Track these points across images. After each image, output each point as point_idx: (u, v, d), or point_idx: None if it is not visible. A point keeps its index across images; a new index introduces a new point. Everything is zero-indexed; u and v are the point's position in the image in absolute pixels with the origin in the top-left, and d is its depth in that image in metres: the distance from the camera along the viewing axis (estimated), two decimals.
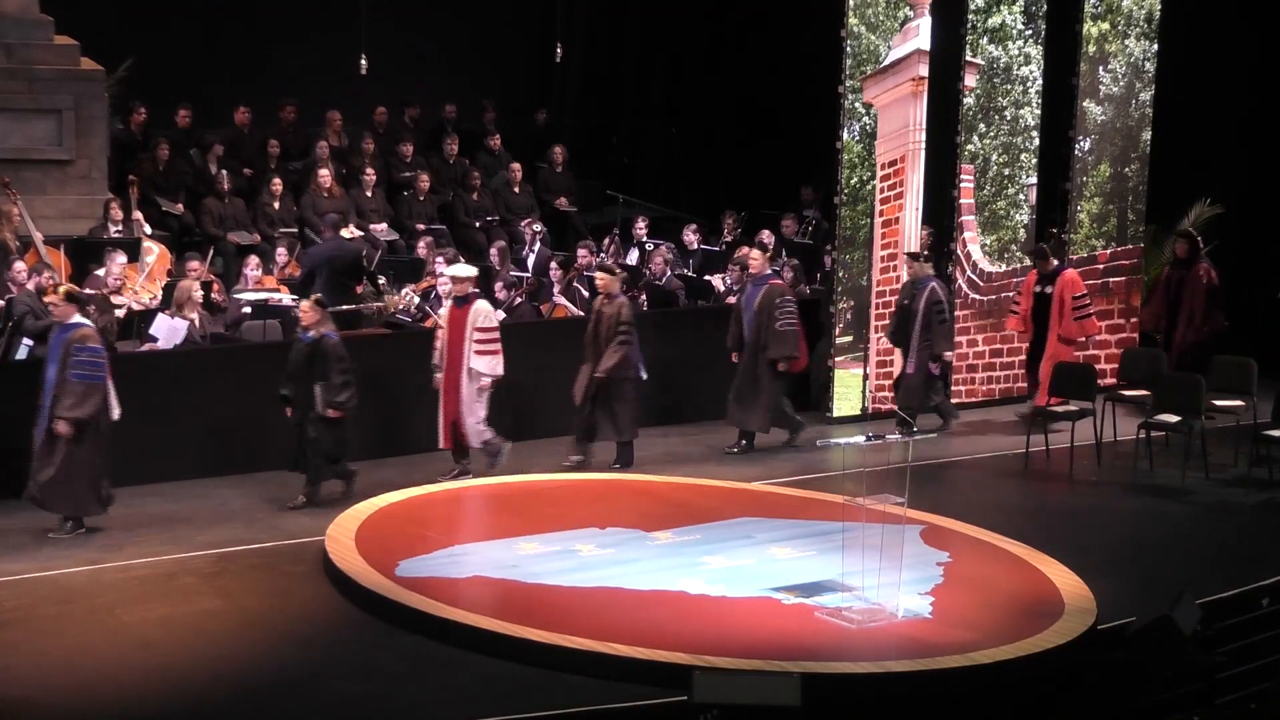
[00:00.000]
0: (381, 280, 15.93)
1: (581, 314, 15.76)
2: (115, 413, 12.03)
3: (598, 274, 14.43)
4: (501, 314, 15.56)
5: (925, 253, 15.69)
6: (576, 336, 14.98)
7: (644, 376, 14.02)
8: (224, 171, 17.53)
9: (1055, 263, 15.71)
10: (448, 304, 13.76)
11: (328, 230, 15.77)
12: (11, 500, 12.56)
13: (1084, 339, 15.88)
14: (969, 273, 16.29)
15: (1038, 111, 16.51)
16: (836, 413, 15.79)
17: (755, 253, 15.00)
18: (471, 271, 13.90)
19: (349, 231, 17.33)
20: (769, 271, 14.83)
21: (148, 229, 16.30)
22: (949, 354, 15.32)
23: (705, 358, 15.27)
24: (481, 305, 13.56)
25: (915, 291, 15.11)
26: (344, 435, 12.95)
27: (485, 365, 13.39)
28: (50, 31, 17.12)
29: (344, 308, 14.84)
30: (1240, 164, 18.04)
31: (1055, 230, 17.04)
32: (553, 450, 14.38)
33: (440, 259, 16.12)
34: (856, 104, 15.69)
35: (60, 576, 11.30)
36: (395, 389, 14.25)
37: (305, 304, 13.01)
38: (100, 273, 14.96)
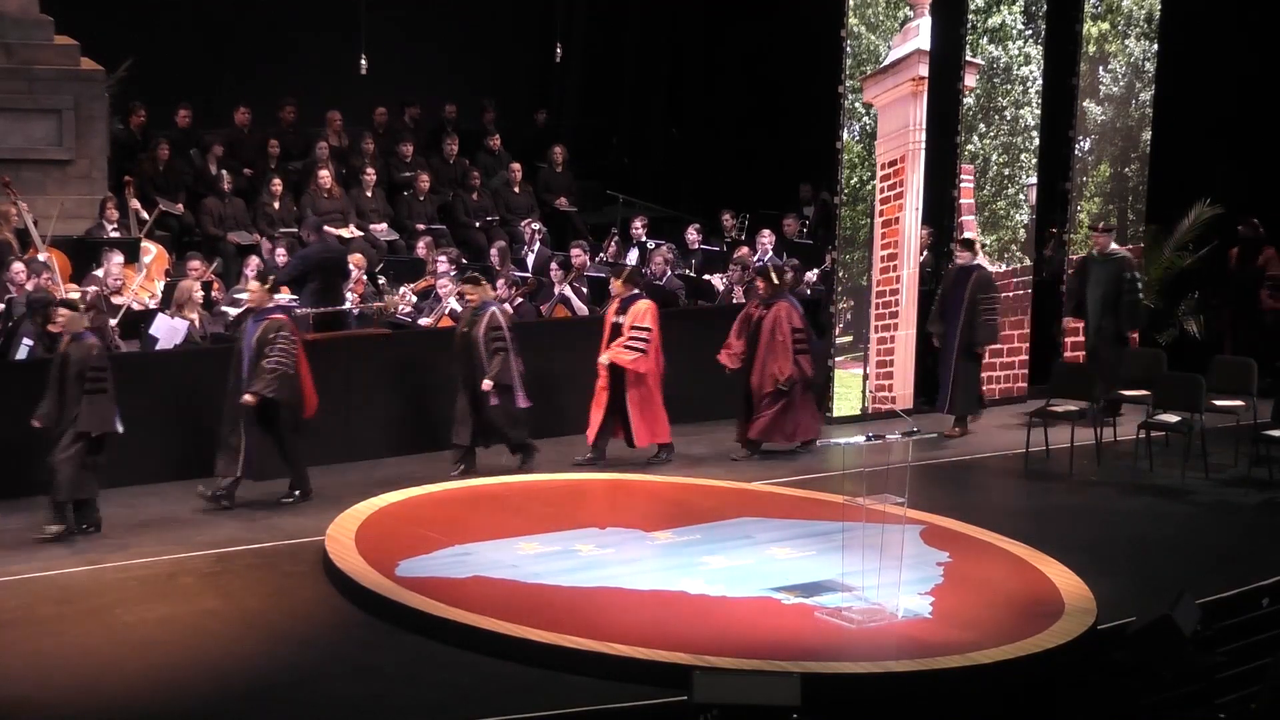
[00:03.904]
0: (381, 280, 15.93)
1: (585, 312, 15.78)
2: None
3: (60, 310, 12.38)
4: (507, 308, 15.57)
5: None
6: (576, 337, 15.00)
7: (119, 429, 12.06)
8: (224, 171, 17.53)
9: (635, 290, 14.17)
10: None
11: (313, 234, 15.67)
12: (11, 500, 12.57)
13: (633, 371, 14.01)
14: None
15: (1038, 111, 16.50)
16: (836, 413, 15.79)
17: (254, 284, 13.25)
18: None
19: (349, 231, 17.36)
20: (270, 305, 13.07)
21: (145, 216, 16.34)
22: (488, 383, 13.45)
23: (706, 358, 15.24)
24: None
25: (475, 318, 13.63)
26: None
27: None
28: (50, 31, 17.13)
29: (334, 309, 14.86)
30: (1240, 164, 18.04)
31: (1055, 230, 17.05)
32: (553, 450, 14.36)
33: (441, 259, 16.13)
34: (856, 104, 15.69)
35: (60, 576, 11.29)
36: (395, 389, 14.26)
37: None
38: (99, 273, 14.96)
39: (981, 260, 15.58)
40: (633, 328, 13.97)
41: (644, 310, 14.05)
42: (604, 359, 13.98)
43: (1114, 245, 16.04)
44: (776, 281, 14.44)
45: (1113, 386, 15.05)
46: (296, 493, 13.00)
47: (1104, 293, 15.81)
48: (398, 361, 14.41)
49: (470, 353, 13.58)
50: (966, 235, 15.74)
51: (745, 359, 14.35)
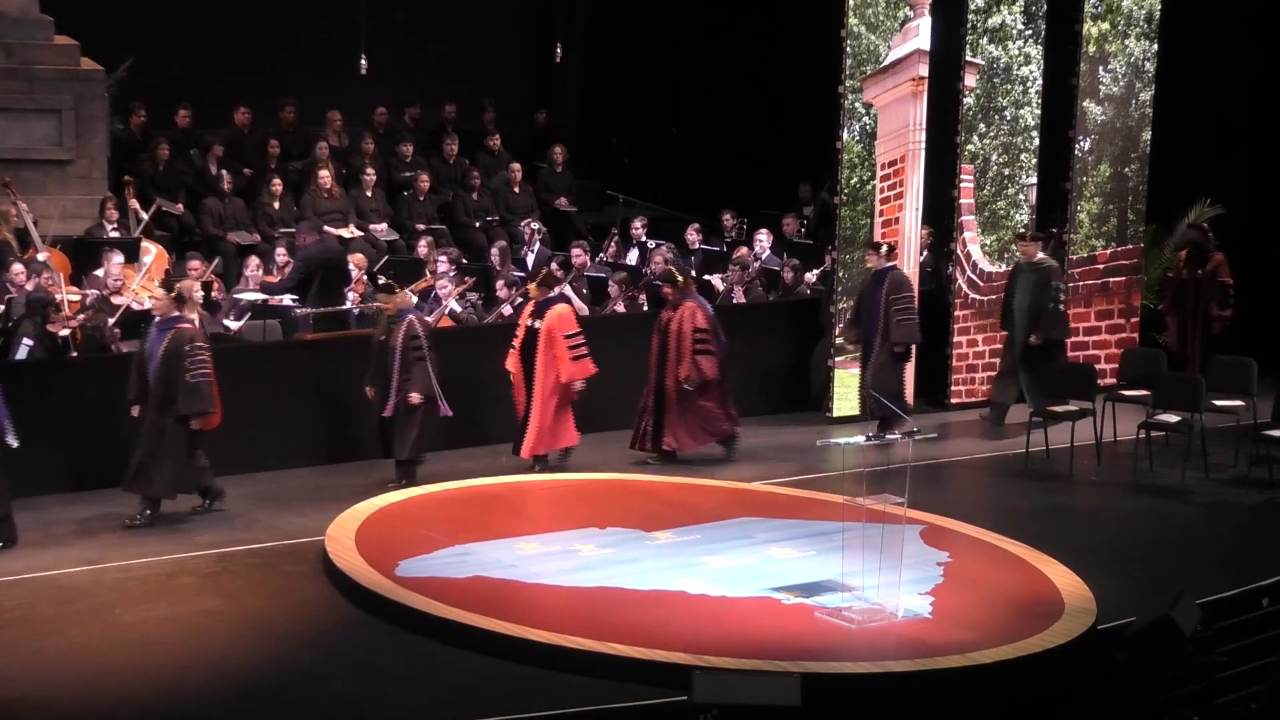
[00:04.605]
0: (381, 280, 15.91)
1: (585, 312, 15.78)
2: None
3: None
4: (508, 308, 15.57)
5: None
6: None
7: (14, 444, 11.79)
8: (224, 171, 17.53)
9: (553, 292, 14.11)
10: None
11: (312, 234, 15.60)
12: (14, 499, 12.55)
13: (582, 382, 13.87)
14: (969, 273, 16.29)
15: (1038, 111, 16.50)
16: (836, 413, 15.79)
17: (159, 291, 12.74)
18: None
19: (349, 231, 17.36)
20: (175, 314, 12.48)
21: (144, 215, 16.34)
22: (416, 396, 13.15)
23: None
24: None
25: (392, 326, 13.34)
26: None
27: None
28: (50, 31, 17.13)
29: (335, 309, 14.85)
30: (1240, 164, 18.04)
31: (1055, 230, 17.05)
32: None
33: (442, 258, 16.12)
34: (856, 104, 15.69)
35: (60, 576, 11.30)
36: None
37: None
38: (99, 273, 14.96)
39: (894, 262, 15.20)
40: (566, 337, 13.79)
41: (566, 315, 13.94)
42: (568, 382, 13.77)
43: (1041, 254, 15.83)
44: (680, 282, 14.36)
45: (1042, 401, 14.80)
46: (147, 511, 12.52)
47: (1030, 302, 15.57)
48: None
49: (385, 361, 13.32)
50: (875, 240, 15.52)
51: (656, 362, 14.22)
